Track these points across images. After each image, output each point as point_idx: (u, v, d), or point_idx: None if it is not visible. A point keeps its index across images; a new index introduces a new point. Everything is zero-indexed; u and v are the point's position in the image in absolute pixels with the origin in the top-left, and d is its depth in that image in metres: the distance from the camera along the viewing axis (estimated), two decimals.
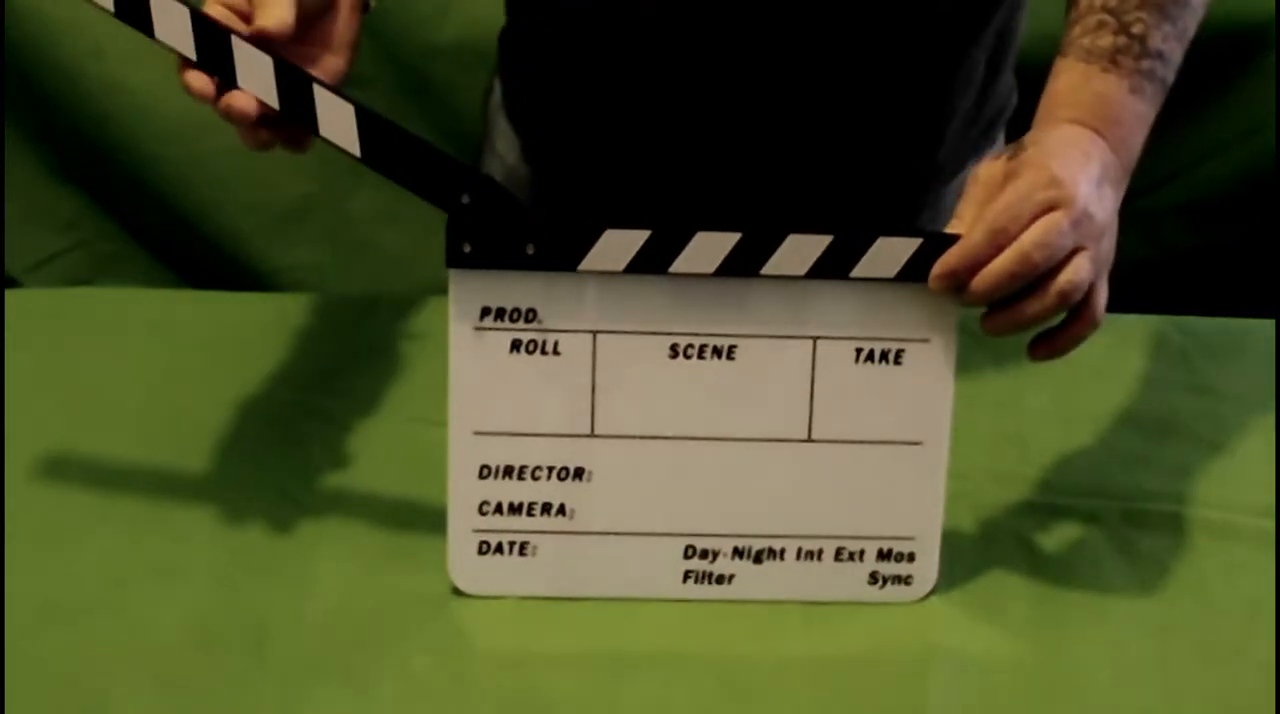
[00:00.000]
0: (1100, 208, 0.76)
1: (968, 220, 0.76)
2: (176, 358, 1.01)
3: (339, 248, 1.54)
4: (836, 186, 0.98)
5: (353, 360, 1.01)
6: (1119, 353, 1.04)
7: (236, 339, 1.03)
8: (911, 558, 0.82)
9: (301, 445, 0.93)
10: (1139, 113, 0.81)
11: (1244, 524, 0.88)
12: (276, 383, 0.98)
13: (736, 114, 0.95)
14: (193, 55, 0.76)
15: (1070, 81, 0.80)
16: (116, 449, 0.92)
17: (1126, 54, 0.81)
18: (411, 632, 0.80)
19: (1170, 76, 0.83)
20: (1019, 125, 1.08)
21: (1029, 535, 0.87)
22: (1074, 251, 0.75)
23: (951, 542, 0.86)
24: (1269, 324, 1.05)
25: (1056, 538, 0.87)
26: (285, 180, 1.51)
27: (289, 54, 0.78)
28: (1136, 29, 0.81)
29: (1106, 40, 0.81)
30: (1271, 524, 0.88)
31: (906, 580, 0.82)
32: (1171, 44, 0.83)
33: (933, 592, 0.82)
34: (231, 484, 0.89)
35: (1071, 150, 0.77)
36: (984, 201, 0.76)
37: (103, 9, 0.76)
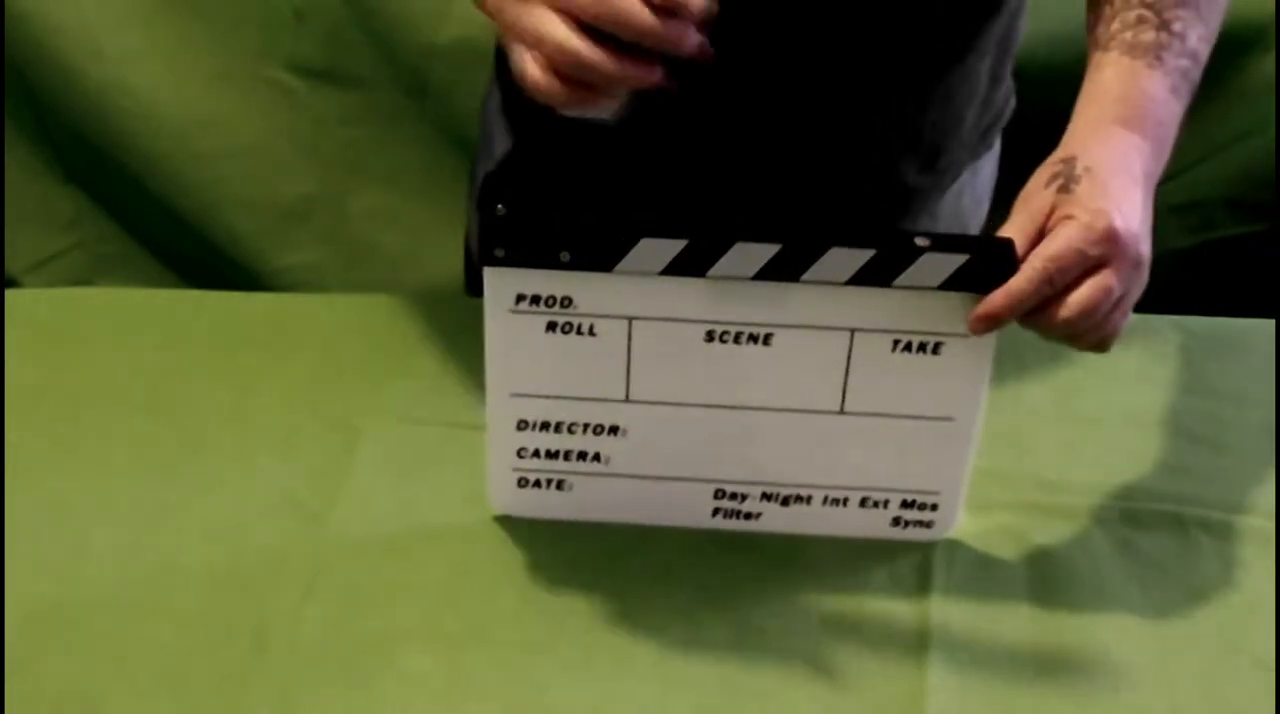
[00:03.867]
0: (1147, 246, 0.74)
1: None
2: (176, 358, 1.01)
3: (339, 248, 1.54)
4: (836, 194, 0.98)
5: (352, 360, 1.01)
6: (1119, 353, 1.03)
7: (236, 339, 1.03)
8: (934, 507, 0.84)
9: (301, 445, 0.93)
10: (1176, 114, 0.79)
11: (1244, 524, 0.88)
12: (276, 383, 0.98)
13: (738, 118, 0.95)
14: None
15: (1118, 75, 0.78)
16: (116, 449, 0.92)
17: (1168, 51, 0.79)
18: (411, 632, 0.80)
19: (1198, 79, 0.81)
20: (1016, 130, 1.08)
21: (1029, 535, 0.87)
22: (1116, 301, 0.74)
23: (951, 541, 0.86)
24: (1269, 324, 1.05)
25: (1056, 538, 0.87)
26: (285, 180, 1.51)
27: None
28: (1176, 27, 0.80)
29: (1149, 36, 0.79)
30: (1271, 524, 0.88)
31: (928, 525, 0.85)
32: (1204, 46, 0.81)
33: (951, 533, 0.86)
34: (231, 484, 0.89)
35: (1124, 177, 0.75)
36: (1030, 232, 0.73)
37: None
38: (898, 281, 0.75)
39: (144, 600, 0.81)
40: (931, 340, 0.77)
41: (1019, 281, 0.72)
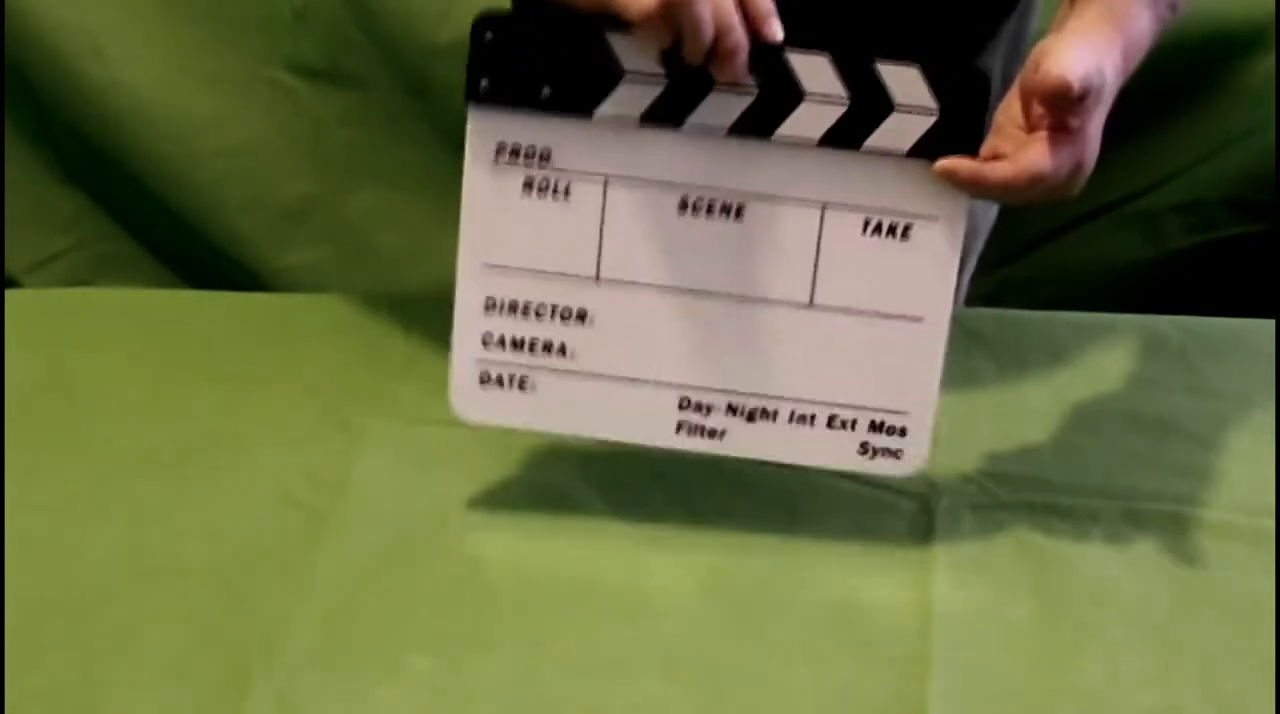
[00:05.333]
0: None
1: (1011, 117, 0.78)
2: (176, 358, 1.01)
3: (339, 248, 1.54)
4: None
5: (353, 360, 1.01)
6: (1119, 353, 1.04)
7: (236, 339, 1.03)
8: (903, 432, 0.82)
9: (301, 445, 0.93)
10: (1150, 37, 0.84)
11: (1244, 524, 0.88)
12: (276, 383, 0.98)
13: None
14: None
15: (1134, 10, 0.82)
16: (116, 449, 0.92)
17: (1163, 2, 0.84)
18: (412, 632, 0.80)
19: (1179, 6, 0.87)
20: None
21: (1029, 535, 0.87)
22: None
23: (951, 541, 0.86)
24: (1269, 324, 1.05)
25: (1056, 538, 0.87)
26: (285, 180, 1.51)
27: None
28: None
29: None
30: (1271, 524, 0.88)
31: (896, 454, 0.82)
32: None
33: (922, 470, 0.83)
34: (232, 484, 0.89)
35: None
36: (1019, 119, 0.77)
37: None
38: (868, 144, 0.77)
39: (144, 600, 0.81)
40: (901, 222, 0.79)
41: (995, 174, 0.76)
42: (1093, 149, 0.78)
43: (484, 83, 0.78)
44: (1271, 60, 1.45)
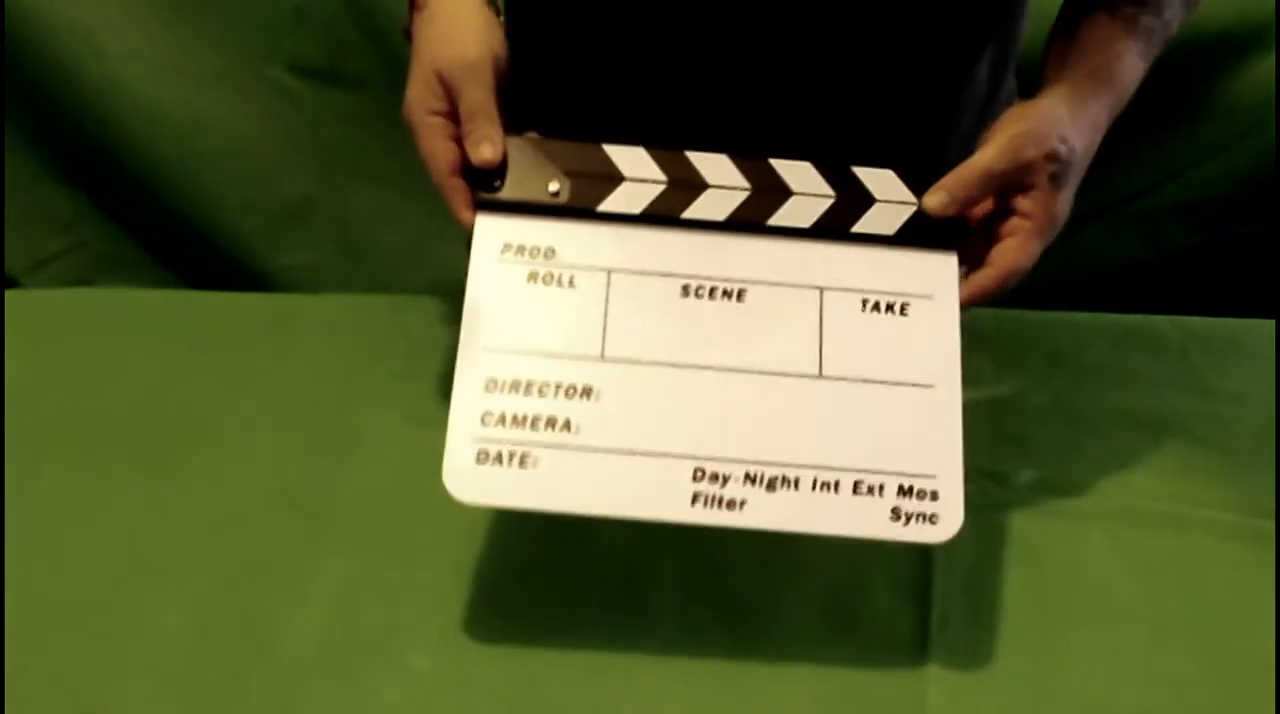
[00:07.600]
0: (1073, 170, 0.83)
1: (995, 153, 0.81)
2: (176, 358, 1.01)
3: (339, 248, 1.54)
4: None
5: (352, 360, 1.01)
6: (1119, 353, 1.04)
7: (236, 339, 1.03)
8: (935, 496, 0.78)
9: (301, 445, 0.93)
10: (1140, 73, 0.88)
11: (1244, 524, 0.88)
12: (276, 382, 0.98)
13: (739, 127, 0.95)
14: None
15: (1127, 60, 0.86)
16: (117, 449, 0.92)
17: (1157, 38, 0.87)
18: (411, 631, 0.80)
19: (1169, 38, 0.90)
20: None
21: (1029, 535, 0.87)
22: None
23: (951, 541, 0.86)
24: (1269, 324, 1.05)
25: (1056, 538, 0.87)
26: (285, 180, 1.51)
27: None
28: (1168, 14, 0.88)
29: (1149, 21, 0.87)
30: (1271, 524, 0.88)
31: (931, 519, 0.78)
32: (1178, 20, 0.90)
33: (959, 534, 0.78)
34: (231, 484, 0.89)
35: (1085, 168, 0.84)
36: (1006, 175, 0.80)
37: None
38: (856, 228, 0.82)
39: (144, 600, 0.81)
40: (899, 300, 0.81)
41: (988, 274, 0.81)
42: (1062, 216, 0.82)
43: (496, 182, 0.82)
44: (1271, 60, 1.45)
